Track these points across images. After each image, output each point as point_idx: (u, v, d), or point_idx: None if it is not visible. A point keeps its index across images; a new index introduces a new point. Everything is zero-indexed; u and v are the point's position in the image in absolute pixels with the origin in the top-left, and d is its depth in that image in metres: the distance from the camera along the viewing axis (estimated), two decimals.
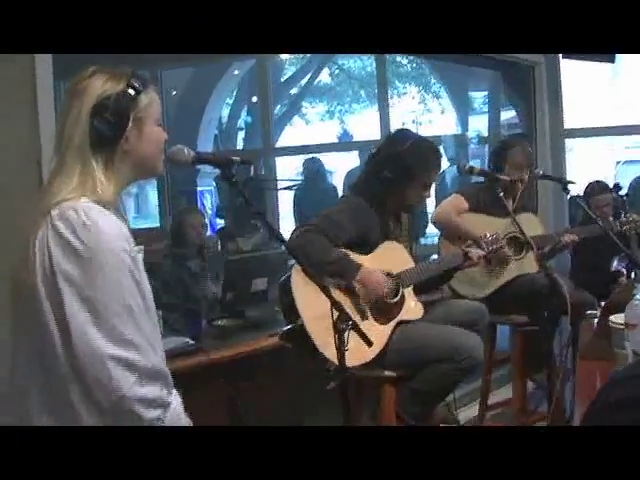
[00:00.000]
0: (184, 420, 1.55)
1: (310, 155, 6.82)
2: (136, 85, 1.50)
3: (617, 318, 1.87)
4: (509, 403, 3.52)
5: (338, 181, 7.30)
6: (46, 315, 1.39)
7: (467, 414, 3.68)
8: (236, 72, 7.70)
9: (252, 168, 5.20)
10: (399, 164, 2.73)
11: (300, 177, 7.02)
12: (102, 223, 1.41)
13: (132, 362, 1.39)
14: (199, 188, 7.23)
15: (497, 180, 3.05)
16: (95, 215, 1.41)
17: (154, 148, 1.56)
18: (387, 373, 2.65)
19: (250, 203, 1.86)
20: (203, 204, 7.26)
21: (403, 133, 2.90)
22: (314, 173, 6.61)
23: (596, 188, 4.27)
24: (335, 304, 1.80)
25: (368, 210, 2.74)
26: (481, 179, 3.42)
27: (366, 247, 2.72)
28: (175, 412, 1.51)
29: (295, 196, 6.60)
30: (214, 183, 7.44)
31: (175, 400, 1.53)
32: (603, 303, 2.33)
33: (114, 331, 1.38)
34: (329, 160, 7.20)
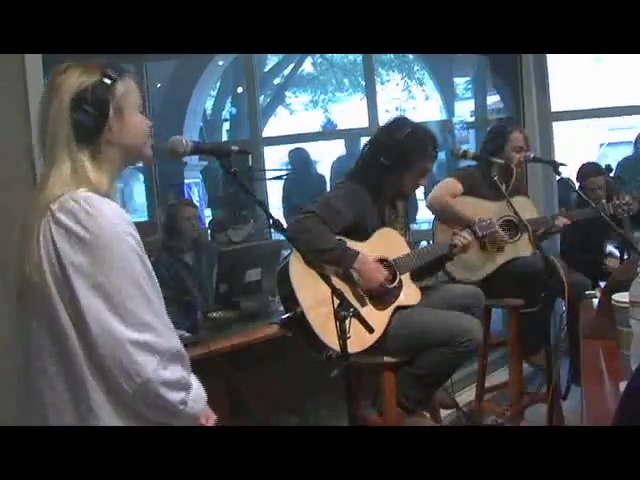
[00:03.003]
0: (205, 401, 1.54)
1: (296, 145, 6.79)
2: (111, 74, 1.49)
3: (620, 297, 1.89)
4: (506, 385, 3.54)
5: (324, 170, 7.27)
6: (59, 310, 1.38)
7: (464, 397, 3.70)
8: (220, 63, 7.63)
9: (250, 158, 5.15)
10: (397, 151, 2.73)
11: (287, 167, 6.99)
12: (104, 209, 1.40)
13: (152, 345, 1.38)
14: (186, 181, 7.19)
15: (491, 163, 3.05)
16: (96, 202, 1.40)
17: (138, 135, 1.55)
18: (387, 359, 2.66)
19: (251, 193, 1.86)
20: (190, 197, 7.22)
21: (401, 121, 2.89)
22: (302, 162, 6.59)
23: (589, 170, 4.24)
24: (336, 292, 1.81)
25: (365, 196, 2.74)
26: (471, 163, 3.42)
27: (362, 233, 2.73)
28: (197, 393, 1.51)
29: (284, 186, 6.58)
30: (200, 175, 7.41)
31: (195, 381, 1.53)
32: (603, 283, 2.34)
33: (130, 315, 1.37)
34: (314, 149, 7.17)
